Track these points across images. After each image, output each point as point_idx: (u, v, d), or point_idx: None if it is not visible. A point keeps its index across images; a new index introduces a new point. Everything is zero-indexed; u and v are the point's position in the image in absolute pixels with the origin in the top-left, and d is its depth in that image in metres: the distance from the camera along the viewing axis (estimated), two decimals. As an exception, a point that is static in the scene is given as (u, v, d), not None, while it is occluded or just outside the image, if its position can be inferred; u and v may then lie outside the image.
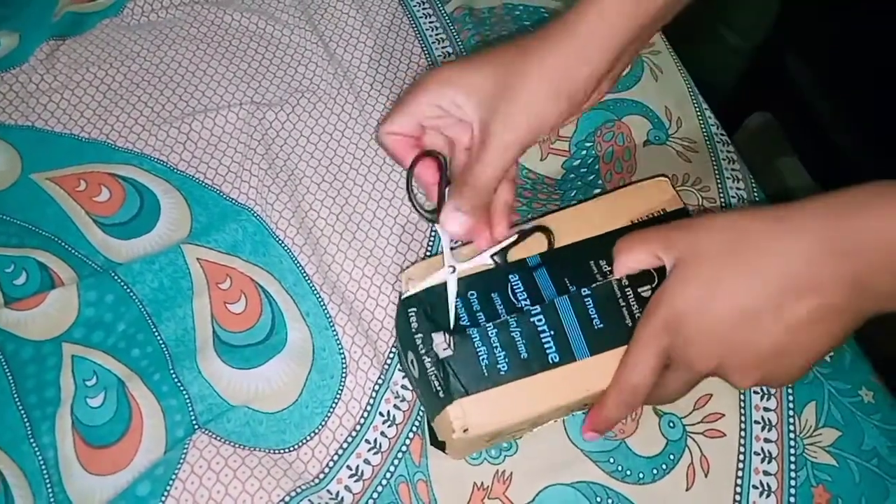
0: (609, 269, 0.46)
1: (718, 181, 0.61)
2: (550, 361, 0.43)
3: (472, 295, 0.45)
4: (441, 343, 0.43)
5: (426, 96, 0.46)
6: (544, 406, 0.43)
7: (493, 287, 0.45)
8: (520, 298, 0.45)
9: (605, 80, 0.46)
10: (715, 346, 0.39)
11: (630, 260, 0.44)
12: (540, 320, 0.44)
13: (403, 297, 0.46)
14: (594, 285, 0.45)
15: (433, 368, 0.44)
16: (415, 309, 0.46)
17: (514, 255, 0.47)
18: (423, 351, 0.44)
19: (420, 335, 0.44)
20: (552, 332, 0.44)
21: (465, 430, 0.42)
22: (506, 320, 0.44)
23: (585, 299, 0.44)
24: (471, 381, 0.43)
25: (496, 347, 0.43)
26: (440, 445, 0.47)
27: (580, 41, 0.43)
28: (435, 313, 0.45)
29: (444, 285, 0.46)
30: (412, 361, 0.46)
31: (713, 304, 0.39)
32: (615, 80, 0.48)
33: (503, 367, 0.43)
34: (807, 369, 0.40)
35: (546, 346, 0.43)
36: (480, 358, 0.43)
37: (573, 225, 0.48)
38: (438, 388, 0.43)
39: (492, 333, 0.44)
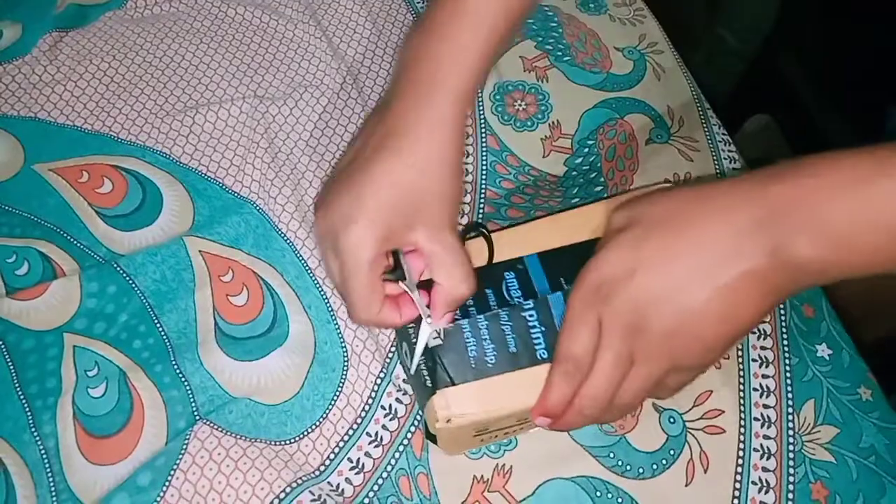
0: None
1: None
2: (539, 357, 0.43)
3: None
4: (428, 332, 0.43)
5: (371, 260, 0.42)
6: (529, 401, 0.43)
7: (487, 283, 0.45)
8: (513, 295, 0.45)
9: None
10: (642, 312, 0.39)
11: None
12: (531, 315, 0.44)
13: (400, 286, 0.45)
14: None
15: (422, 358, 0.44)
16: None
17: (506, 248, 0.47)
18: (414, 341, 0.44)
19: (413, 325, 0.44)
20: (543, 329, 0.44)
21: (448, 421, 0.42)
22: (497, 313, 0.44)
23: None
24: (457, 371, 0.43)
25: (485, 340, 0.43)
26: (433, 438, 0.47)
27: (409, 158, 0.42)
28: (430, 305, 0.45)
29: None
30: (406, 352, 0.47)
31: (639, 267, 0.39)
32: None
33: (491, 359, 0.43)
34: (727, 344, 0.39)
35: (535, 341, 0.43)
36: (469, 350, 0.43)
37: (569, 225, 0.48)
38: (426, 377, 0.43)
39: (482, 326, 0.44)
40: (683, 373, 0.42)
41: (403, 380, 0.51)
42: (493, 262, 0.46)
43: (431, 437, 0.47)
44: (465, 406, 0.42)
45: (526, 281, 0.45)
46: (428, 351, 0.43)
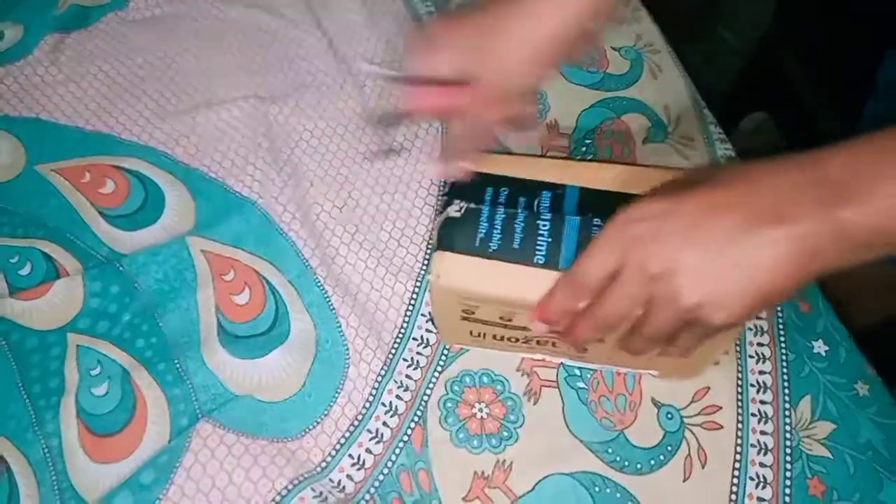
0: None
1: None
2: (535, 262, 0.45)
3: (502, 190, 0.47)
4: (455, 206, 0.46)
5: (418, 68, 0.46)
6: (512, 294, 0.44)
7: (524, 192, 0.47)
8: (542, 208, 0.47)
9: (580, 38, 0.45)
10: (668, 259, 0.37)
11: None
12: (545, 225, 0.46)
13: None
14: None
15: (440, 225, 0.46)
16: (453, 185, 0.48)
17: (551, 171, 0.48)
18: (440, 209, 0.47)
19: (446, 197, 0.47)
20: (549, 239, 0.45)
21: (438, 277, 0.44)
22: (516, 213, 0.46)
23: (594, 228, 0.46)
24: (460, 243, 0.45)
25: (496, 228, 0.46)
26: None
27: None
28: (467, 189, 0.47)
29: (489, 175, 0.48)
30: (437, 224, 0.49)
31: (676, 211, 0.38)
32: (591, 38, 0.48)
33: (493, 245, 0.45)
34: (754, 307, 0.37)
35: (538, 247, 0.45)
36: (479, 230, 0.46)
37: (623, 180, 0.48)
38: (436, 240, 0.46)
39: (498, 217, 0.46)
40: (700, 331, 0.39)
41: (406, 376, 0.51)
42: (541, 181, 0.48)
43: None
44: (456, 274, 0.45)
45: (558, 202, 0.47)
46: (447, 219, 0.46)
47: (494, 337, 0.49)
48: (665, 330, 0.38)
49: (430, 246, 0.55)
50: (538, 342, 0.49)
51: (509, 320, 0.47)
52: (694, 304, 0.36)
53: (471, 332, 0.49)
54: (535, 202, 0.47)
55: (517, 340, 0.49)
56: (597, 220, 0.45)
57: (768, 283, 0.36)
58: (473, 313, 0.47)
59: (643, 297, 0.38)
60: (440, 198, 0.49)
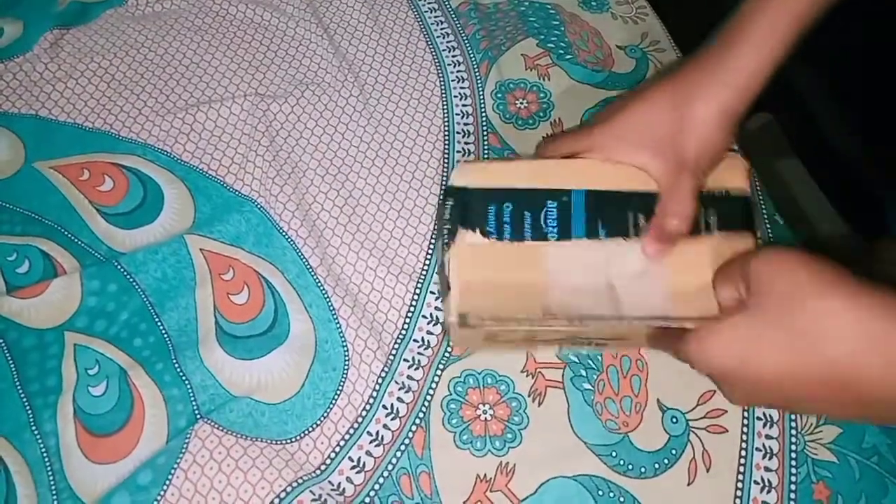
0: (642, 221, 0.46)
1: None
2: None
3: (506, 207, 0.46)
4: (465, 237, 0.45)
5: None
6: (533, 275, 0.44)
7: (529, 206, 0.46)
8: (549, 225, 0.46)
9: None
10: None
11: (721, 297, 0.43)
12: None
13: (448, 185, 0.47)
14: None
15: (447, 265, 0.45)
16: (452, 202, 0.46)
17: (555, 175, 0.47)
18: (446, 242, 0.46)
19: (448, 227, 0.46)
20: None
21: (461, 318, 0.43)
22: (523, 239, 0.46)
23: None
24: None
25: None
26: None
27: (739, 72, 0.45)
28: (469, 212, 0.46)
29: (489, 191, 0.47)
30: (441, 248, 0.49)
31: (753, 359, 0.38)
32: None
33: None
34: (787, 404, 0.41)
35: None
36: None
37: (625, 177, 0.48)
38: (447, 273, 0.45)
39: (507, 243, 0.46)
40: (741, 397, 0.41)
41: (408, 377, 0.51)
42: (544, 188, 0.47)
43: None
44: (478, 308, 0.44)
45: (565, 215, 0.46)
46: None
47: (515, 345, 0.49)
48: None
49: (431, 254, 0.54)
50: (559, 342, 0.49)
51: (534, 338, 0.46)
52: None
53: (490, 346, 0.49)
54: (542, 217, 0.46)
55: (538, 344, 0.49)
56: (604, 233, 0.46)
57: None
58: (497, 337, 0.46)
59: None
60: (439, 221, 0.49)
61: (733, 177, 0.48)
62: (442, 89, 0.65)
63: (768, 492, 0.48)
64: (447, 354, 0.52)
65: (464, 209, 0.46)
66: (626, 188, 0.47)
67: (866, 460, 0.50)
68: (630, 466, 0.49)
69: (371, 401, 0.50)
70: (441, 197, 0.48)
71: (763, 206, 0.61)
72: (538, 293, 0.44)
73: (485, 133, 0.63)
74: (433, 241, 0.57)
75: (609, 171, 0.47)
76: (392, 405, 0.50)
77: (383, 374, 0.51)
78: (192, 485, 0.46)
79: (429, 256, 0.56)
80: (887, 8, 0.61)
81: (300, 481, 0.46)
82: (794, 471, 0.49)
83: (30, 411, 0.47)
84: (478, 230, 0.45)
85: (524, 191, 0.46)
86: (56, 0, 0.66)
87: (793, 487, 0.48)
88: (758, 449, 0.49)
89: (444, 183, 0.60)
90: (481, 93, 0.65)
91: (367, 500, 0.47)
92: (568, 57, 0.68)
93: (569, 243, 0.45)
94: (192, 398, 0.49)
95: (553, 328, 0.44)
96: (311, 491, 0.46)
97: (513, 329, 0.44)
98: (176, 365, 0.49)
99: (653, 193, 0.46)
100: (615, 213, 0.46)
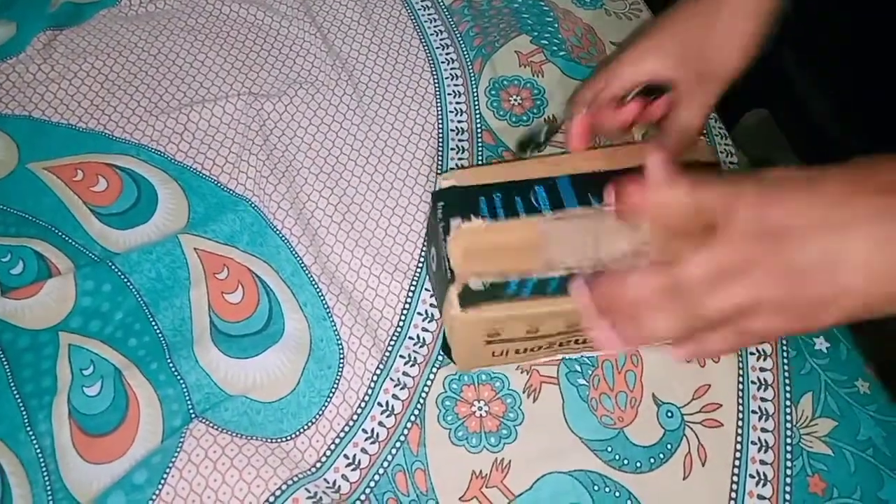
0: None
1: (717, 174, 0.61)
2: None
3: (496, 196, 0.47)
4: (458, 224, 0.45)
5: (624, 76, 0.51)
6: (534, 262, 0.43)
7: (518, 192, 0.47)
8: (541, 203, 0.46)
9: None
10: (778, 230, 0.33)
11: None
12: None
13: (434, 190, 0.48)
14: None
15: (446, 252, 0.45)
16: (443, 202, 0.47)
17: (537, 169, 0.49)
18: (442, 237, 0.45)
19: (443, 224, 0.46)
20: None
21: (461, 310, 0.42)
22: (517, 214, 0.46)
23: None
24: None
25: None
26: (448, 351, 0.49)
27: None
28: (459, 205, 0.46)
29: (476, 186, 0.47)
30: (433, 256, 0.48)
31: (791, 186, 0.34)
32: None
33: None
34: (851, 311, 0.33)
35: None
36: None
37: (603, 157, 0.50)
38: (448, 268, 0.44)
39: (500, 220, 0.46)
40: (781, 320, 0.34)
41: (403, 373, 0.51)
42: (529, 179, 0.48)
43: (447, 350, 0.50)
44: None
45: (555, 195, 0.47)
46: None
47: (517, 351, 0.48)
48: (746, 303, 0.33)
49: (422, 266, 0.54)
50: (560, 343, 0.48)
51: (536, 331, 0.46)
52: (796, 282, 0.32)
53: (493, 353, 0.48)
54: (532, 198, 0.46)
55: (540, 348, 0.48)
56: (598, 205, 0.46)
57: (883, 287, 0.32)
58: (499, 334, 0.46)
59: (737, 262, 0.33)
60: (431, 214, 0.48)
61: (701, 153, 0.51)
62: (436, 87, 0.65)
63: (764, 485, 0.48)
64: (442, 353, 0.52)
65: (454, 204, 0.46)
66: (612, 168, 0.48)
67: (861, 453, 0.50)
68: (625, 461, 0.49)
69: (366, 398, 0.50)
70: (431, 204, 0.48)
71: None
72: (536, 251, 0.44)
73: (479, 130, 0.63)
74: (427, 240, 0.57)
75: (590, 159, 0.49)
76: (387, 402, 0.50)
77: (378, 372, 0.51)
78: (188, 483, 0.46)
79: (423, 254, 0.56)
80: (884, 4, 0.61)
81: (295, 479, 0.46)
82: (789, 464, 0.49)
83: (24, 412, 0.47)
84: (471, 216, 0.45)
85: (511, 182, 0.47)
86: (49, 1, 0.66)
87: (788, 481, 0.48)
88: (753, 442, 0.49)
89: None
90: (475, 90, 0.65)
91: (363, 497, 0.47)
92: (562, 53, 0.68)
93: (562, 212, 0.46)
94: (187, 397, 0.49)
95: (554, 308, 0.43)
96: (306, 489, 0.46)
97: (516, 316, 0.44)
98: (171, 364, 0.49)
99: (631, 168, 0.47)
100: (603, 187, 0.46)
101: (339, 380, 0.50)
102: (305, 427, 0.49)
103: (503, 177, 0.48)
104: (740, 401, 0.51)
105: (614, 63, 0.51)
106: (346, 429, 0.49)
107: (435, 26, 0.70)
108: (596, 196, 0.46)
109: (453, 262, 0.44)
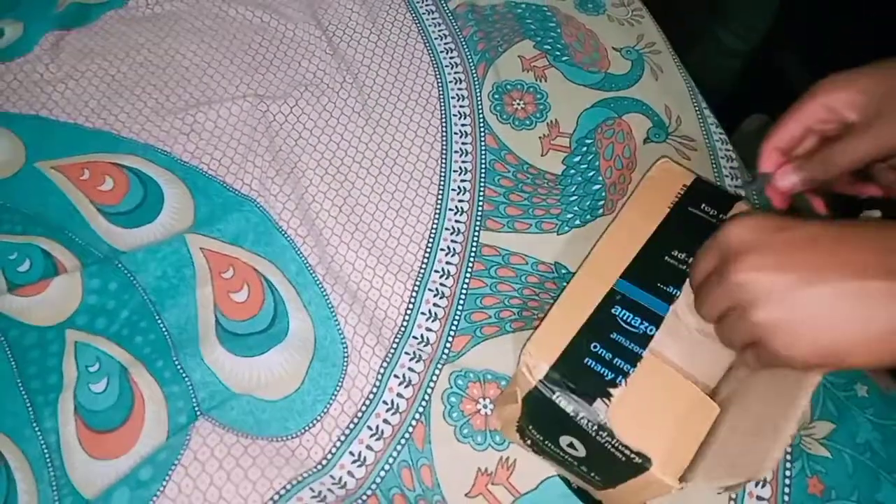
0: (684, 255, 0.45)
1: (717, 178, 0.62)
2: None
3: (595, 347, 0.42)
4: (603, 408, 0.40)
5: (818, 99, 0.45)
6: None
7: (608, 329, 0.43)
8: (635, 325, 0.43)
9: None
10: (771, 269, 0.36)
11: None
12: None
13: (536, 384, 0.41)
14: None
15: (610, 439, 0.40)
16: (558, 392, 0.40)
17: (593, 291, 0.44)
18: (593, 428, 0.40)
19: (583, 416, 0.40)
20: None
21: (680, 480, 0.39)
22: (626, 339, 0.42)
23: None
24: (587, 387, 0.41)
25: (613, 360, 0.42)
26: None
27: None
28: (578, 384, 0.40)
29: (568, 348, 0.42)
30: (569, 444, 0.42)
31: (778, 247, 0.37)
32: None
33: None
34: (829, 350, 0.35)
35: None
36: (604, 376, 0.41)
37: (623, 239, 0.47)
38: (629, 455, 0.39)
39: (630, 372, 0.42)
40: (765, 355, 0.38)
41: (409, 369, 0.51)
42: (597, 306, 0.44)
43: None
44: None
45: (634, 305, 0.44)
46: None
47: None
48: (733, 338, 0.38)
49: (428, 252, 0.54)
50: None
51: None
52: (764, 322, 0.36)
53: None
54: (627, 325, 0.43)
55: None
56: (675, 291, 0.44)
57: (849, 333, 0.35)
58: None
59: (725, 300, 0.37)
60: (539, 405, 0.42)
61: (672, 174, 0.50)
62: (440, 90, 0.66)
63: (763, 486, 0.49)
64: (447, 351, 0.52)
65: (572, 384, 0.41)
66: (633, 250, 0.46)
67: (859, 455, 0.50)
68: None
69: (371, 396, 0.50)
70: (530, 398, 0.42)
71: (757, 208, 0.62)
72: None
73: (482, 134, 0.63)
74: (430, 241, 0.57)
75: (615, 237, 0.46)
76: (392, 401, 0.50)
77: (382, 370, 0.51)
78: (192, 481, 0.46)
79: (426, 254, 0.56)
80: (887, 9, 0.61)
81: (300, 478, 0.47)
82: (788, 465, 0.49)
83: (31, 408, 0.47)
84: (598, 397, 0.40)
85: (588, 323, 0.43)
86: (56, 2, 0.66)
87: (787, 482, 0.49)
88: (753, 443, 0.50)
89: (441, 183, 0.60)
90: (478, 94, 0.66)
91: (369, 492, 0.47)
92: (564, 58, 0.68)
93: (662, 327, 0.42)
94: (193, 395, 0.49)
95: None
96: (311, 488, 0.46)
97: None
98: (176, 362, 0.50)
99: (654, 234, 0.46)
100: (657, 268, 0.44)
101: (343, 378, 0.51)
102: (311, 425, 0.49)
103: (569, 320, 0.43)
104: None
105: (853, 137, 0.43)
106: (352, 426, 0.49)
107: (439, 30, 0.70)
108: (666, 282, 0.44)
109: (632, 444, 0.39)
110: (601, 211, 0.60)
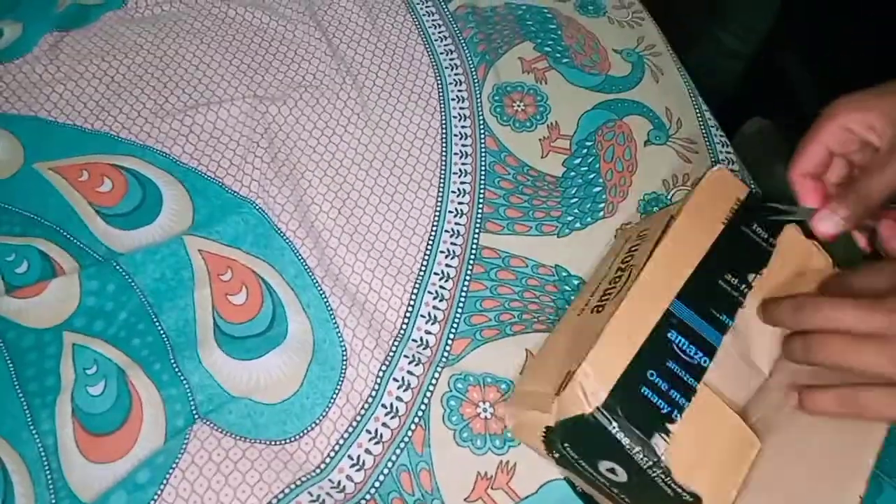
0: (736, 280, 0.44)
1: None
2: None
3: (651, 375, 0.40)
4: (662, 444, 0.38)
5: (836, 120, 0.44)
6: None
7: (664, 356, 0.41)
8: (691, 354, 0.41)
9: None
10: None
11: None
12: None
13: (592, 412, 0.39)
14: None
15: (664, 476, 0.39)
16: (615, 423, 0.38)
17: (648, 311, 0.42)
18: (647, 464, 0.39)
19: (638, 451, 0.38)
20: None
21: None
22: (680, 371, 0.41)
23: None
24: (641, 420, 0.39)
25: (669, 391, 0.40)
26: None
27: None
28: (634, 416, 0.39)
29: (626, 373, 0.40)
30: (610, 469, 0.41)
31: None
32: None
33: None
34: None
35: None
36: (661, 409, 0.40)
37: (678, 254, 0.44)
38: (679, 493, 0.39)
39: (664, 385, 0.40)
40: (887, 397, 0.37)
41: (408, 372, 0.51)
42: (653, 329, 0.42)
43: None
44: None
45: (689, 332, 0.42)
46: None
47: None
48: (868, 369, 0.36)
49: (428, 255, 0.54)
50: None
51: None
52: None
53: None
54: (682, 354, 0.42)
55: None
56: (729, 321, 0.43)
57: None
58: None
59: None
60: (595, 434, 0.40)
61: (726, 184, 0.48)
62: (440, 92, 0.66)
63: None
64: (447, 354, 0.52)
65: (628, 414, 0.39)
66: (689, 267, 0.44)
67: (862, 459, 0.50)
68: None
69: (370, 399, 0.50)
70: (578, 424, 0.40)
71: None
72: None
73: (482, 135, 0.63)
74: (430, 243, 0.57)
75: (668, 255, 0.44)
76: (391, 404, 0.50)
77: (381, 374, 0.51)
78: (189, 484, 0.46)
79: (426, 257, 0.56)
80: (888, 9, 0.61)
81: (299, 482, 0.46)
82: (790, 469, 0.49)
83: (28, 411, 0.47)
84: (655, 432, 0.39)
85: (644, 350, 0.41)
86: (55, 2, 0.66)
87: (790, 486, 0.49)
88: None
89: (441, 185, 0.60)
90: (479, 96, 0.66)
91: (368, 497, 0.47)
92: (565, 60, 0.68)
93: (718, 358, 0.41)
94: (191, 398, 0.49)
95: None
96: (309, 492, 0.46)
97: None
98: (174, 365, 0.49)
99: (708, 253, 0.44)
100: (712, 293, 0.43)
101: (342, 381, 0.50)
102: (309, 428, 0.49)
103: (626, 340, 0.41)
104: (742, 406, 0.51)
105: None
106: (350, 430, 0.49)
107: (439, 32, 0.70)
108: (719, 309, 0.42)
109: (685, 484, 0.38)
110: (602, 213, 0.59)
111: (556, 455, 0.43)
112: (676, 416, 0.39)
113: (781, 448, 0.40)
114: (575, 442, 0.41)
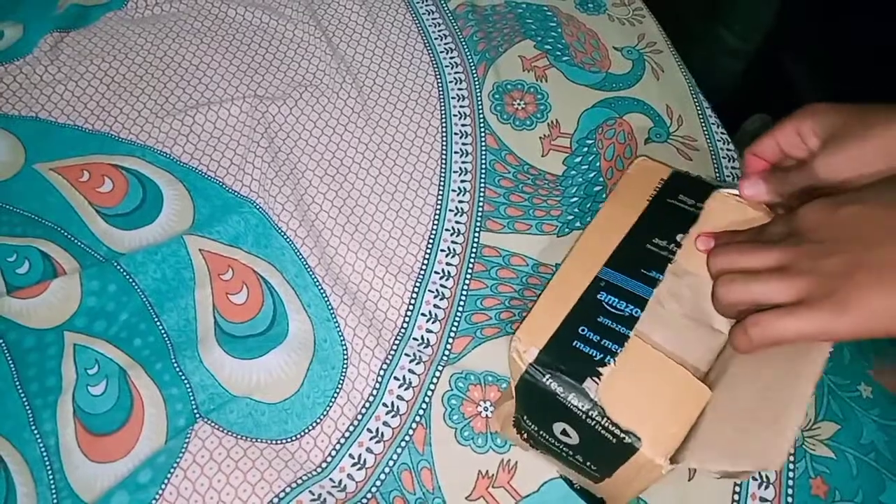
0: (665, 242, 0.45)
1: (719, 178, 0.61)
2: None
3: (583, 330, 0.42)
4: (594, 386, 0.40)
5: (791, 122, 0.46)
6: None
7: (595, 313, 0.42)
8: (621, 308, 0.43)
9: None
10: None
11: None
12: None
13: (526, 367, 0.41)
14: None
15: (600, 418, 0.39)
16: (548, 375, 0.40)
17: (578, 280, 0.44)
18: (583, 409, 0.40)
19: (573, 397, 0.40)
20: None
21: (669, 460, 0.39)
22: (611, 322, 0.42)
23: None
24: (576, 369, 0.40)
25: (600, 341, 0.42)
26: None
27: None
28: (567, 366, 0.40)
29: (556, 333, 0.42)
30: (562, 431, 0.42)
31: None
32: None
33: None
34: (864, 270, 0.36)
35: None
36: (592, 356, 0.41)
37: (605, 231, 0.47)
38: (619, 435, 0.39)
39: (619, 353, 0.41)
40: (795, 322, 0.38)
41: (409, 370, 0.51)
42: (584, 292, 0.43)
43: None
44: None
45: (619, 290, 0.43)
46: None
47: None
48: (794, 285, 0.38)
49: (429, 253, 0.54)
50: None
51: None
52: (835, 270, 0.36)
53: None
54: (613, 310, 0.43)
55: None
56: (658, 275, 0.44)
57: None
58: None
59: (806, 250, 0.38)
60: (530, 393, 0.42)
61: (650, 171, 0.49)
62: (440, 90, 0.66)
63: (766, 487, 0.48)
64: (447, 352, 0.52)
65: (562, 366, 0.41)
66: (616, 239, 0.46)
67: (864, 456, 0.50)
68: (629, 463, 0.49)
69: (371, 398, 0.50)
70: (522, 384, 0.42)
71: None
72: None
73: (482, 134, 0.63)
74: (430, 242, 0.57)
75: (600, 230, 0.46)
76: (392, 403, 0.50)
77: (382, 372, 0.51)
78: (191, 484, 0.46)
79: (426, 255, 0.56)
80: (885, 9, 0.61)
81: (300, 481, 0.46)
82: (791, 466, 0.49)
83: (29, 411, 0.47)
84: (587, 377, 0.40)
85: (575, 309, 0.43)
86: (55, 3, 0.66)
87: (791, 483, 0.49)
88: (756, 445, 0.50)
89: (441, 184, 0.60)
90: (479, 94, 0.66)
91: (369, 495, 0.47)
92: (565, 58, 0.68)
93: (646, 309, 0.42)
94: (192, 397, 0.49)
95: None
96: (310, 491, 0.46)
97: None
98: (175, 364, 0.50)
99: (634, 225, 0.46)
100: (641, 256, 0.44)
101: (343, 380, 0.50)
102: (310, 427, 0.49)
103: (557, 307, 0.43)
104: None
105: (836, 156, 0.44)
106: (351, 429, 0.49)
107: (439, 30, 0.70)
108: (650, 267, 0.44)
109: (622, 423, 0.39)
110: (602, 211, 0.59)
111: (525, 436, 0.45)
112: (609, 360, 0.40)
113: (726, 396, 0.41)
114: (528, 410, 0.43)
